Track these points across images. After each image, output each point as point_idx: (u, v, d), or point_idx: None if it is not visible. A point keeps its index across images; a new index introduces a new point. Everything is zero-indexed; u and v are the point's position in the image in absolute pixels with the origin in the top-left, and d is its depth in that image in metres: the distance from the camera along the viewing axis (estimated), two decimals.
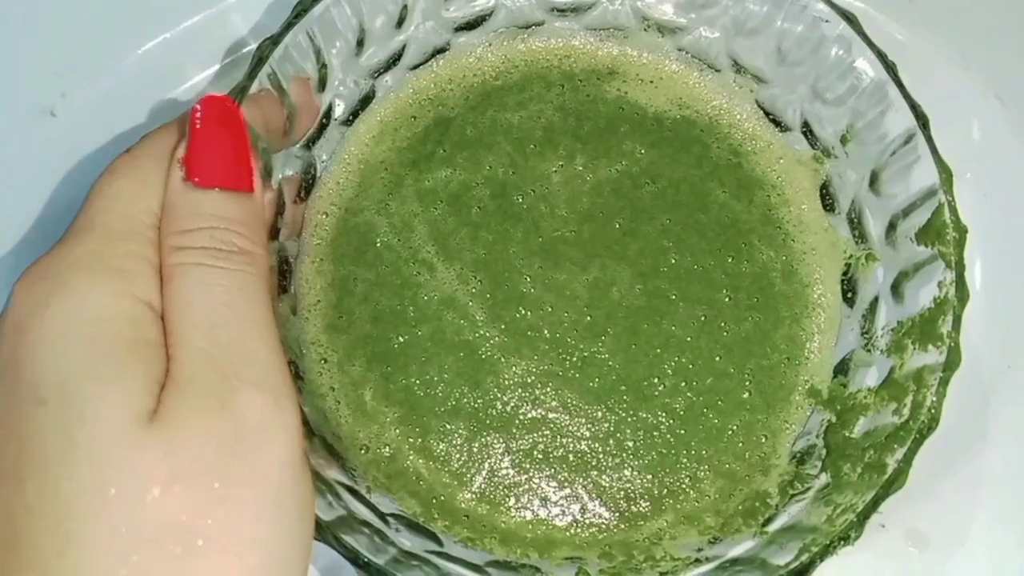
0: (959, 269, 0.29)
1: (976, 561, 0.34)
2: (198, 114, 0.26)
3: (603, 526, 0.32)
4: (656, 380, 0.33)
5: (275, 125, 0.30)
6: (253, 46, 0.36)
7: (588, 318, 0.33)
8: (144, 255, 0.24)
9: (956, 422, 0.34)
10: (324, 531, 0.26)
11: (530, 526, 0.32)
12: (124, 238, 0.24)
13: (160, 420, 0.22)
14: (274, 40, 0.30)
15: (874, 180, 0.33)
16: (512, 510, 0.32)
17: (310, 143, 0.34)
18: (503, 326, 0.33)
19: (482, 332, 0.32)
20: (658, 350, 0.33)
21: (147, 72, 0.35)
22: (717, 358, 0.33)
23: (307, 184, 0.34)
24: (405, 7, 0.34)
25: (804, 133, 0.35)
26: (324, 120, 0.34)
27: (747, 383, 0.33)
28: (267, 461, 0.23)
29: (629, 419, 0.32)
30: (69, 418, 0.22)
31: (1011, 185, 0.38)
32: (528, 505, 0.32)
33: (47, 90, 0.35)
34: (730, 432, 0.32)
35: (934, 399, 0.28)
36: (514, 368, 0.32)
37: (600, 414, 0.32)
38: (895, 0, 0.38)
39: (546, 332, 0.33)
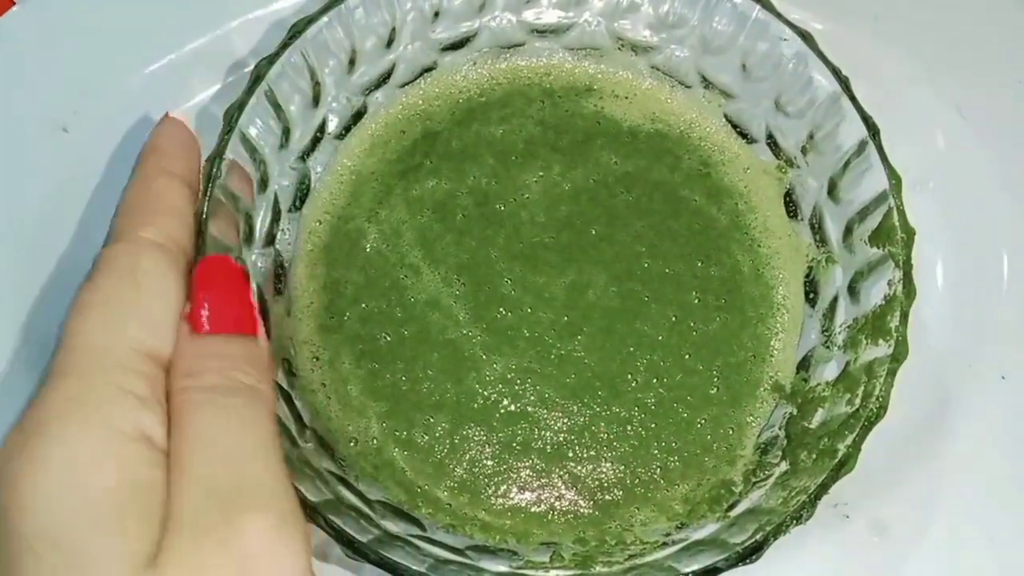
0: (906, 268, 0.31)
1: (936, 550, 0.35)
2: (199, 275, 0.27)
3: (577, 513, 0.33)
4: (629, 376, 0.34)
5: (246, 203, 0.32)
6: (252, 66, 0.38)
7: (565, 318, 0.35)
8: (123, 386, 0.24)
9: (918, 418, 0.36)
10: (314, 512, 0.28)
11: (509, 514, 0.33)
12: (100, 375, 0.24)
13: (162, 564, 0.22)
14: (270, 59, 0.32)
15: (832, 187, 0.35)
16: (492, 499, 0.33)
17: (305, 155, 0.36)
18: (485, 325, 0.35)
19: (465, 331, 0.34)
20: (631, 348, 0.35)
21: (154, 90, 0.37)
22: (687, 356, 0.35)
23: (302, 194, 0.36)
24: (394, 29, 0.36)
25: (769, 144, 0.37)
26: (318, 134, 0.36)
27: (715, 379, 0.35)
28: None
29: (603, 413, 0.34)
30: (69, 572, 0.22)
31: (972, 192, 0.39)
32: (507, 494, 0.34)
33: (60, 107, 0.37)
34: (699, 425, 0.34)
35: (883, 388, 0.30)
36: (495, 365, 0.34)
37: (576, 408, 0.34)
38: (862, 18, 0.41)
39: (525, 331, 0.35)
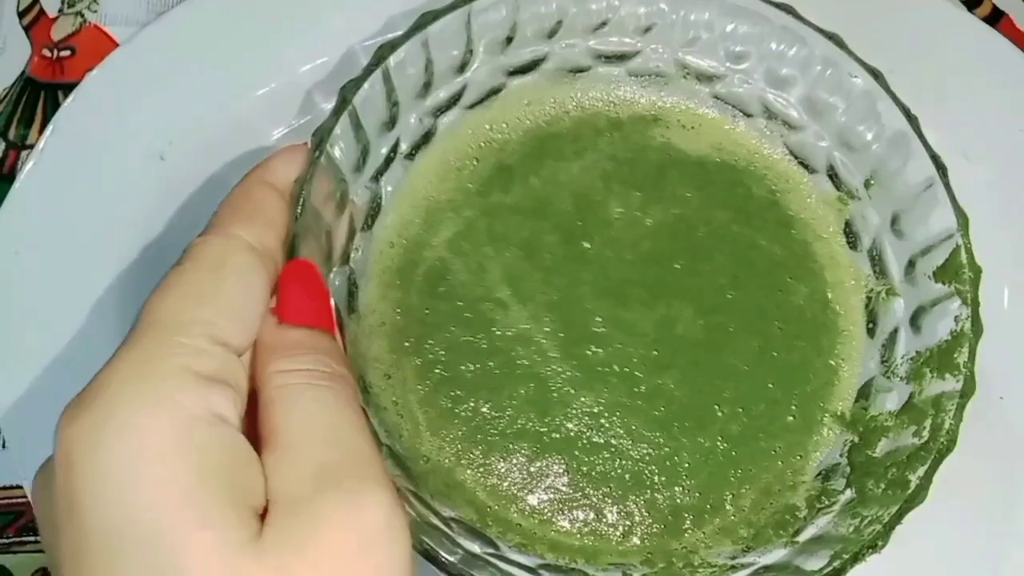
0: (974, 305, 0.32)
1: (939, 560, 0.37)
2: (287, 272, 0.28)
3: (647, 536, 0.34)
4: (716, 407, 0.35)
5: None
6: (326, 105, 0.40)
7: (655, 352, 0.36)
8: (187, 364, 0.23)
9: None
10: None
11: (578, 536, 0.34)
12: (166, 350, 0.24)
13: (268, 544, 0.22)
14: (356, 83, 0.33)
15: (895, 221, 0.36)
16: (564, 522, 0.34)
17: (378, 175, 0.37)
18: (575, 362, 0.35)
19: (555, 367, 0.35)
20: (718, 380, 0.35)
21: (241, 123, 0.40)
22: (770, 385, 0.36)
23: (373, 213, 0.37)
24: (470, 52, 0.36)
25: (830, 176, 0.38)
26: (391, 154, 0.37)
27: (793, 407, 0.36)
28: (392, 562, 0.23)
29: (687, 443, 0.35)
30: (161, 567, 0.21)
31: (976, 231, 0.38)
32: (580, 518, 0.34)
33: (157, 137, 0.40)
34: (773, 453, 0.35)
35: (951, 423, 0.31)
36: (583, 399, 0.35)
37: (662, 440, 0.35)
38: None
39: (615, 367, 0.35)
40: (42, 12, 0.46)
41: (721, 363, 0.36)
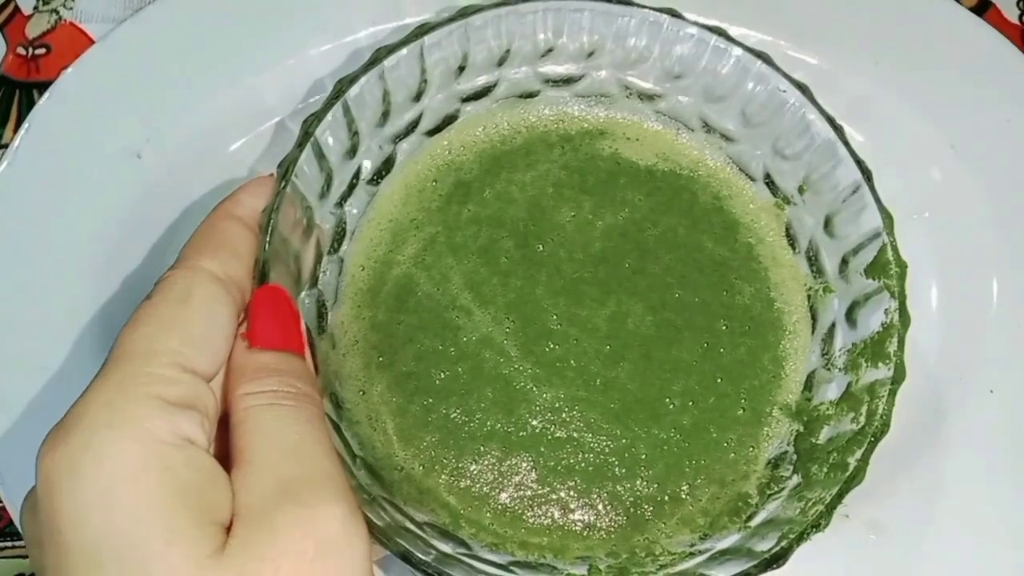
0: (901, 298, 0.35)
1: (930, 548, 0.39)
2: (257, 298, 0.30)
3: (611, 529, 0.36)
4: (667, 400, 0.37)
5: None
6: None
7: (608, 347, 0.38)
8: (156, 393, 0.25)
9: (914, 431, 0.39)
10: (382, 535, 0.31)
11: (547, 531, 0.36)
12: (135, 381, 0.25)
13: (231, 553, 0.24)
14: (318, 116, 0.35)
15: (827, 224, 0.38)
16: (532, 519, 0.36)
17: (342, 201, 0.39)
18: (535, 359, 0.37)
19: (517, 366, 0.37)
20: (668, 373, 0.38)
21: (221, 121, 0.41)
22: (718, 380, 0.38)
23: (339, 236, 0.39)
24: (424, 82, 0.39)
25: (767, 183, 0.41)
26: (354, 180, 0.39)
27: (742, 401, 0.38)
28: (346, 570, 0.25)
29: (643, 435, 0.37)
30: None
31: (963, 222, 0.43)
32: (547, 514, 0.36)
33: (134, 136, 0.40)
34: (725, 444, 0.38)
35: (885, 407, 0.34)
36: (545, 395, 0.37)
37: (619, 431, 0.37)
38: (863, 60, 0.44)
39: (572, 361, 0.38)
40: (17, 9, 0.46)
41: (671, 358, 0.38)
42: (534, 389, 0.37)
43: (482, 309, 0.38)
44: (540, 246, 0.39)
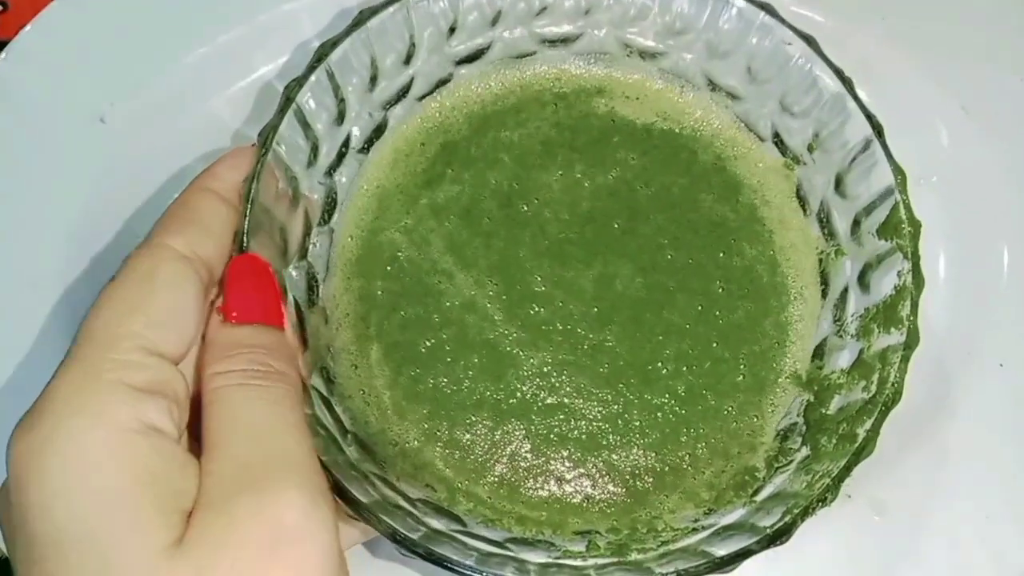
0: (915, 259, 0.33)
1: (934, 528, 0.37)
2: (232, 269, 0.29)
3: (610, 502, 0.35)
4: (659, 364, 0.36)
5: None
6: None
7: (595, 309, 0.37)
8: (120, 379, 0.25)
9: (920, 404, 0.38)
10: (367, 512, 0.30)
11: (545, 505, 0.35)
12: (100, 368, 0.25)
13: (190, 541, 0.23)
14: (299, 81, 0.34)
15: (839, 183, 0.37)
16: (530, 491, 0.35)
17: (331, 170, 0.37)
18: (520, 323, 0.36)
19: (501, 330, 0.36)
20: (660, 337, 0.36)
21: (187, 84, 0.39)
22: (714, 344, 0.37)
23: (329, 207, 0.38)
24: (412, 46, 0.37)
25: (776, 143, 0.39)
26: (343, 149, 0.38)
27: (742, 367, 0.37)
28: (307, 559, 0.24)
29: (636, 400, 0.36)
30: (94, 569, 0.23)
31: (973, 187, 0.41)
32: (544, 486, 0.35)
33: (97, 99, 0.38)
34: (725, 412, 0.36)
35: (897, 375, 0.32)
36: (532, 360, 0.36)
37: (610, 397, 0.36)
38: (870, 17, 0.42)
39: (558, 324, 0.36)
40: None
41: (662, 321, 0.36)
42: (520, 354, 0.36)
43: (464, 272, 0.36)
44: (524, 206, 0.38)
